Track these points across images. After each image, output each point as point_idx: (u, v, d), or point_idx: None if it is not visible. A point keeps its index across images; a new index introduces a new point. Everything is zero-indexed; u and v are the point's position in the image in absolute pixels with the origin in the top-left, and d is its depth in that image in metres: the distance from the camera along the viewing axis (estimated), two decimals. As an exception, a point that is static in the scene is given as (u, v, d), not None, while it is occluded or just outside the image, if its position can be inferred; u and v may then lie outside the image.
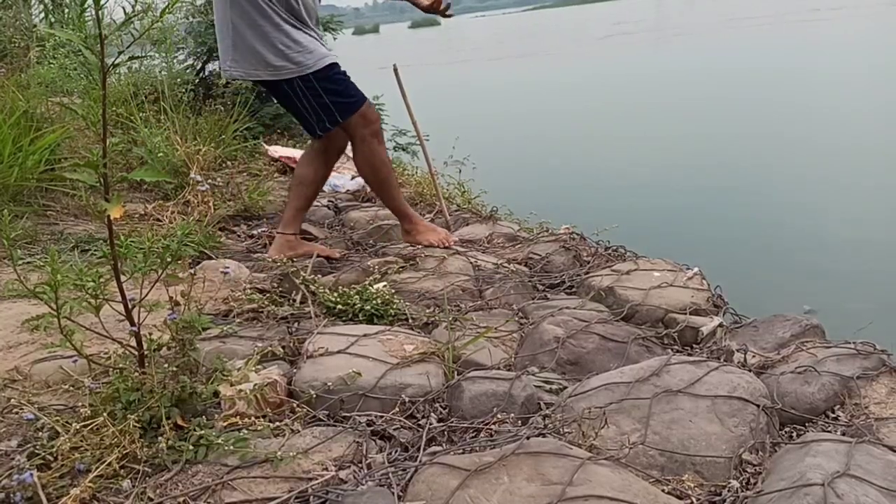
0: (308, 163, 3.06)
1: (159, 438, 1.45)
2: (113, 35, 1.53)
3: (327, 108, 2.81)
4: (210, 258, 2.91)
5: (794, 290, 4.41)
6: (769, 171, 7.18)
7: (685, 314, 2.25)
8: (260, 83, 2.93)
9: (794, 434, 1.63)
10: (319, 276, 2.63)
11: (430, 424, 1.64)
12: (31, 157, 3.29)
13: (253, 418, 1.60)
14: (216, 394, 1.63)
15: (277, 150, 5.40)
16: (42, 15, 6.75)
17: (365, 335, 2.00)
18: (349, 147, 5.58)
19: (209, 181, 3.80)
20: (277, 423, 1.59)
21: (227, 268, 2.59)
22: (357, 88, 2.88)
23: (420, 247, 2.97)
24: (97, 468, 1.38)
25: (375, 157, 2.93)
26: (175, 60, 6.14)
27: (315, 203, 4.22)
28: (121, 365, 1.60)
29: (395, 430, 1.63)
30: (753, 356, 1.96)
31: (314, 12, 2.87)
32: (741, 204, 6.37)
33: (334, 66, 2.81)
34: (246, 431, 1.51)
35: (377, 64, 3.09)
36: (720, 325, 2.21)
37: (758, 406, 1.57)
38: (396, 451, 1.55)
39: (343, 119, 2.82)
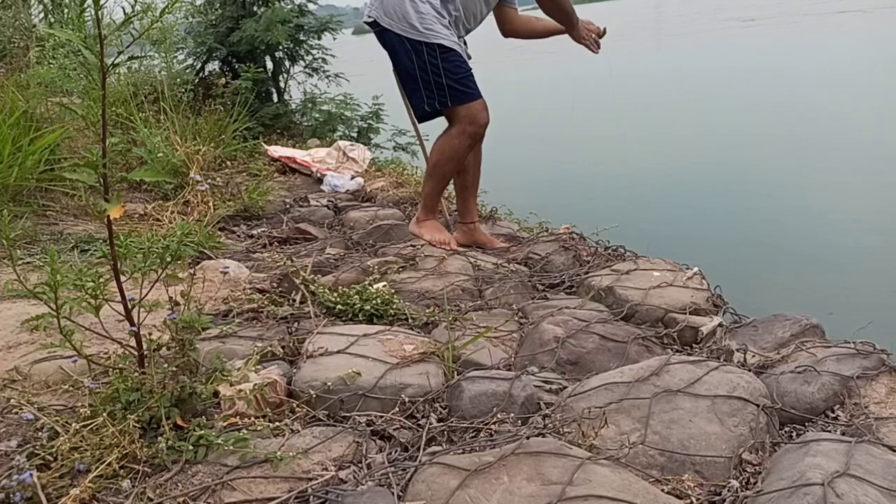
0: None
1: (159, 438, 1.45)
2: (112, 35, 1.54)
3: (442, 88, 2.89)
4: (210, 258, 2.91)
5: (794, 290, 4.40)
6: (769, 171, 7.18)
7: (685, 314, 2.25)
8: (384, 38, 2.99)
9: (794, 434, 1.63)
10: (319, 276, 2.63)
11: (430, 424, 1.64)
12: (30, 157, 3.29)
13: (253, 418, 1.60)
14: (216, 394, 1.63)
15: (277, 150, 5.41)
16: (42, 15, 6.75)
17: (365, 335, 1.99)
18: (347, 145, 5.56)
19: (209, 181, 3.81)
20: (277, 423, 1.59)
21: (227, 268, 2.60)
22: (477, 86, 2.94)
23: (420, 245, 2.97)
24: (97, 468, 1.38)
25: (454, 153, 2.98)
26: (175, 60, 6.14)
27: (315, 203, 4.24)
28: (120, 365, 1.60)
29: (394, 430, 1.63)
30: (753, 356, 1.96)
31: (468, 27, 3.02)
32: (741, 204, 6.36)
33: (459, 55, 2.90)
34: (246, 431, 1.51)
35: (377, 64, 3.09)
36: (720, 325, 2.21)
37: (757, 406, 1.57)
38: (396, 451, 1.55)
39: (452, 104, 2.89)
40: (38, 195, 3.40)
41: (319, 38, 6.90)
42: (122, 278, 1.54)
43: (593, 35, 3.15)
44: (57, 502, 1.32)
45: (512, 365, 2.00)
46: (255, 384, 1.65)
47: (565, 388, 1.79)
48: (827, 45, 16.25)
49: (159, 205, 3.64)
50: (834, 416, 1.68)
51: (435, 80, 2.87)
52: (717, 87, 12.31)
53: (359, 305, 2.28)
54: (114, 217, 1.45)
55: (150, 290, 1.58)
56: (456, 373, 1.86)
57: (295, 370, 1.87)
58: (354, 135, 6.90)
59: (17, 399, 1.66)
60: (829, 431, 1.59)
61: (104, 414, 1.46)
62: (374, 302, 2.29)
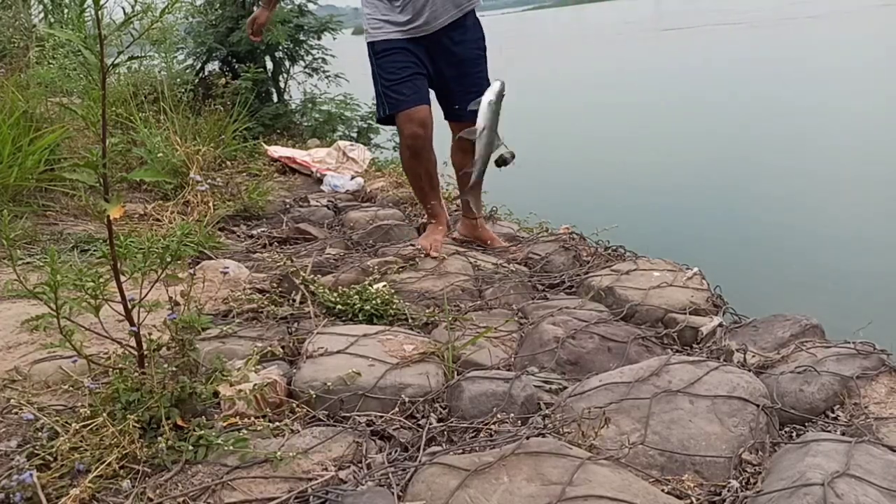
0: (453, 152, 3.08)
1: (159, 438, 1.45)
2: (112, 35, 1.54)
3: (380, 95, 2.75)
4: (210, 258, 2.91)
5: (794, 290, 4.41)
6: (769, 171, 7.18)
7: (685, 314, 2.25)
8: None
9: (794, 434, 1.63)
10: (319, 276, 2.63)
11: (430, 424, 1.64)
12: (30, 158, 3.29)
13: (253, 418, 1.60)
14: (216, 394, 1.63)
15: (277, 150, 5.41)
16: (42, 15, 6.75)
17: (364, 335, 1.99)
18: (347, 145, 5.53)
19: (209, 181, 3.81)
20: (277, 423, 1.59)
21: (227, 268, 2.59)
22: (411, 93, 2.71)
23: (419, 246, 2.97)
24: (97, 468, 1.38)
25: (403, 163, 2.92)
26: (174, 60, 6.14)
27: (315, 203, 4.24)
28: (120, 365, 1.60)
29: (394, 430, 1.63)
30: (753, 356, 1.96)
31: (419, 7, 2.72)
32: (741, 204, 6.37)
33: (395, 56, 2.67)
34: (246, 431, 1.51)
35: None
36: (720, 325, 2.21)
37: (757, 406, 1.57)
38: (396, 451, 1.55)
39: (389, 112, 2.73)
40: (38, 195, 3.40)
41: (319, 39, 6.90)
42: (122, 278, 1.54)
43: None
44: (57, 502, 1.32)
45: (512, 365, 2.00)
46: (255, 384, 1.65)
47: (565, 388, 1.79)
48: (828, 45, 16.25)
49: (159, 205, 3.64)
50: (834, 416, 1.68)
51: (376, 85, 2.77)
52: (717, 87, 12.32)
53: (359, 306, 2.28)
54: (114, 217, 1.45)
55: (150, 290, 1.58)
56: (456, 373, 1.86)
57: (295, 370, 1.87)
58: (354, 135, 6.90)
59: (17, 399, 1.66)
60: (829, 431, 1.59)
61: (104, 414, 1.46)
62: (374, 302, 2.28)
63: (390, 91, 2.72)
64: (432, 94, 2.91)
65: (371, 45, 2.75)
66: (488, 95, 2.46)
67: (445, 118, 2.98)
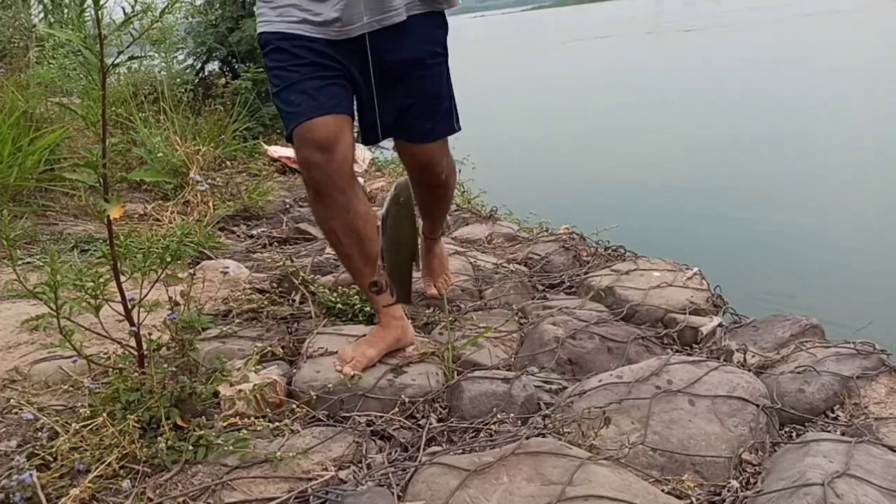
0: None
1: (159, 438, 1.45)
2: (112, 35, 1.54)
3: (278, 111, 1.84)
4: (210, 258, 2.91)
5: (794, 291, 4.40)
6: (769, 171, 7.18)
7: (685, 314, 2.25)
8: None
9: (794, 434, 1.63)
10: (319, 276, 2.63)
11: (430, 424, 1.64)
12: (30, 157, 3.29)
13: (253, 418, 1.60)
14: (216, 394, 1.63)
15: (277, 151, 5.40)
16: (41, 15, 6.74)
17: (364, 335, 1.99)
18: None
19: (209, 181, 3.81)
20: (277, 424, 1.59)
21: (227, 268, 2.59)
22: (310, 99, 1.73)
23: (419, 246, 2.97)
24: (97, 468, 1.39)
25: (315, 218, 1.93)
26: (175, 60, 6.14)
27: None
28: (120, 365, 1.60)
29: (394, 430, 1.64)
30: (753, 356, 1.96)
31: None
32: (741, 204, 6.36)
33: (285, 47, 1.74)
34: (246, 432, 1.51)
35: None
36: (720, 325, 2.21)
37: (757, 406, 1.58)
38: (396, 451, 1.55)
39: (287, 132, 1.79)
40: (38, 195, 3.40)
41: (319, 38, 6.89)
42: (122, 278, 1.55)
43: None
44: (57, 502, 1.32)
45: (512, 365, 2.00)
46: (255, 384, 1.65)
47: (565, 388, 1.79)
48: (826, 44, 16.25)
49: (159, 205, 3.64)
50: (834, 416, 1.68)
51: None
52: (717, 87, 12.31)
53: (359, 306, 2.28)
54: (114, 217, 1.45)
55: (150, 290, 1.58)
56: (456, 373, 1.86)
57: (295, 370, 1.87)
58: (354, 135, 6.89)
59: (17, 399, 1.67)
60: (829, 431, 1.59)
61: (104, 414, 1.47)
62: (374, 302, 2.28)
63: (283, 95, 1.79)
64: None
65: (261, 34, 1.85)
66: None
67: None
